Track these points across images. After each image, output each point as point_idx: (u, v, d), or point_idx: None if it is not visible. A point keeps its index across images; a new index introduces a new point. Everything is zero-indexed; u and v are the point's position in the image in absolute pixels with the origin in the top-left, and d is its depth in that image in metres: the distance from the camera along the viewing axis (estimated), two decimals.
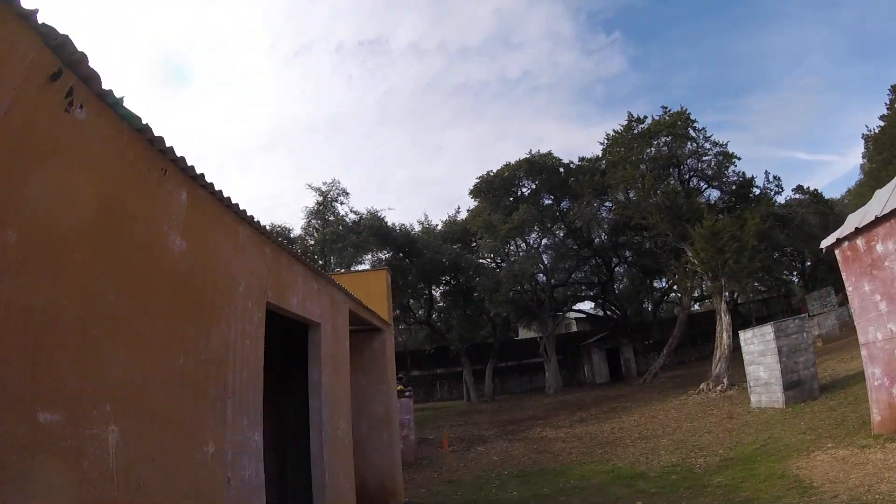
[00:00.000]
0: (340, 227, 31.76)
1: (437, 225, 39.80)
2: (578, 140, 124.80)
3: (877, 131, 38.64)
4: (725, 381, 21.82)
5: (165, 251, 3.92)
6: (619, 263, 42.11)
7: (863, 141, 41.75)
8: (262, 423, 5.14)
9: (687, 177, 31.77)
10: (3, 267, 2.53)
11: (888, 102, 37.22)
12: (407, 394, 18.41)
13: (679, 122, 29.74)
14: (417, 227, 37.88)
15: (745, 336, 17.61)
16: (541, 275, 38.36)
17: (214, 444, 4.24)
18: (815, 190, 40.75)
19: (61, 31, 2.86)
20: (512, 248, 38.22)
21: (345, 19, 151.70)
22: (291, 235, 32.23)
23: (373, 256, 33.67)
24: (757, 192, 33.20)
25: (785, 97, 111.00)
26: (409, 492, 12.35)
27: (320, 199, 32.71)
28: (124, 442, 3.21)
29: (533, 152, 36.65)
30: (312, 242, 31.94)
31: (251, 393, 4.99)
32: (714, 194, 33.28)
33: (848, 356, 19.86)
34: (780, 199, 35.95)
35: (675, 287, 37.25)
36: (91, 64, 3.09)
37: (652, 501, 9.09)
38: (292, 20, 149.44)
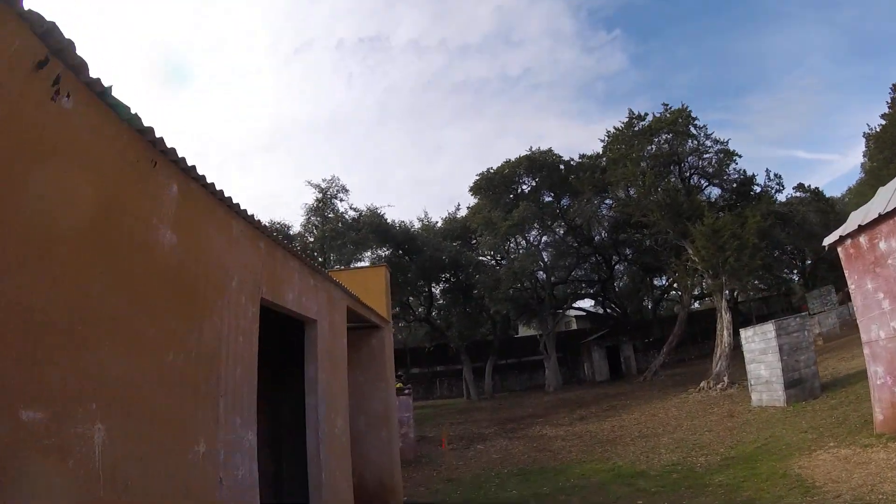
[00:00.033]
0: (340, 224, 31.66)
1: (436, 222, 39.70)
2: (579, 137, 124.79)
3: (878, 130, 38.48)
4: (726, 379, 21.74)
5: (156, 245, 3.82)
6: (620, 261, 42.00)
7: (864, 139, 41.65)
8: (255, 421, 5.05)
9: (688, 174, 31.66)
10: None
11: (889, 101, 37.07)
12: (406, 391, 18.33)
13: (680, 120, 29.60)
14: (417, 225, 37.79)
15: (746, 334, 17.52)
16: (541, 272, 38.25)
17: (206, 442, 4.15)
18: (816, 188, 40.60)
19: (48, 19, 2.78)
20: (512, 245, 38.11)
21: (345, 17, 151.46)
22: (291, 232, 32.13)
23: (372, 254, 33.56)
24: (758, 189, 33.15)
25: (785, 97, 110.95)
26: (408, 490, 12.27)
27: (320, 195, 32.62)
28: (111, 441, 3.12)
29: (533, 149, 36.58)
30: (312, 239, 31.85)
31: (245, 391, 4.89)
32: (715, 192, 33.19)
33: (849, 355, 19.79)
34: (781, 198, 35.94)
35: (675, 285, 37.16)
36: (79, 52, 3.01)
37: (653, 501, 9.00)
38: (292, 19, 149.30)
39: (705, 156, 31.23)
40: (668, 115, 29.89)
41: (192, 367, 4.10)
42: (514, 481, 12.16)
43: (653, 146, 30.01)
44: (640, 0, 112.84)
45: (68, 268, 2.97)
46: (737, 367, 21.78)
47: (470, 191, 38.11)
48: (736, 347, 24.26)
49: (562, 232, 39.05)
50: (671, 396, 22.34)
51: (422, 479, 13.65)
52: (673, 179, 30.13)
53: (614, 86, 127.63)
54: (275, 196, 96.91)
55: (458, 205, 50.28)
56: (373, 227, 31.89)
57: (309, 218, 32.74)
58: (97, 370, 3.11)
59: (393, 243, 34.19)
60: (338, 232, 30.86)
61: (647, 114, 30.66)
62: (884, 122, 37.33)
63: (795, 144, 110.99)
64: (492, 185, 36.96)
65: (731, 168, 31.86)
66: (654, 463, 11.87)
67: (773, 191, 33.94)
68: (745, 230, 23.22)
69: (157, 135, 3.79)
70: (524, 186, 37.89)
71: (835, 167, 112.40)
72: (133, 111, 3.55)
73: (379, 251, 34.03)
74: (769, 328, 16.13)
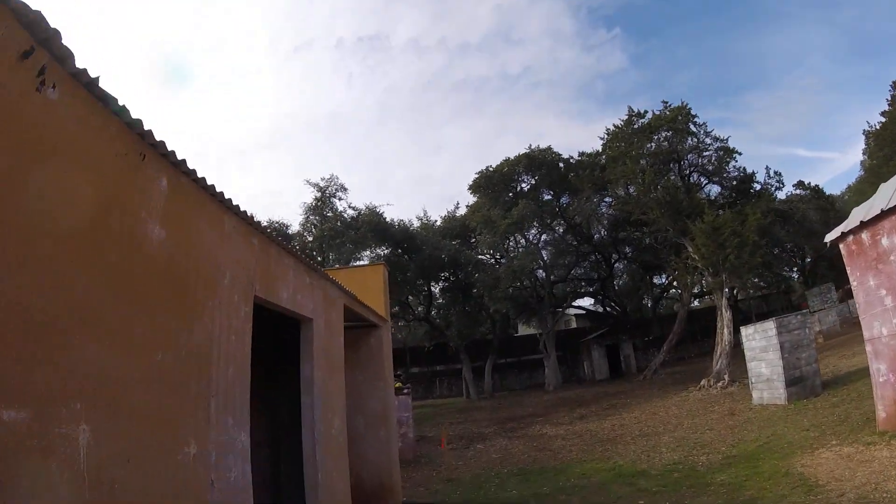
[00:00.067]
0: (339, 223, 31.55)
1: (435, 221, 39.57)
2: (579, 136, 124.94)
3: (878, 127, 38.41)
4: (726, 377, 21.66)
5: (144, 240, 3.72)
6: (619, 259, 41.91)
7: (863, 137, 41.58)
8: (248, 422, 4.94)
9: (687, 172, 31.55)
10: None
11: (889, 99, 37.01)
12: (405, 391, 18.25)
13: (680, 118, 29.49)
14: (416, 224, 37.66)
15: (746, 332, 17.42)
16: (540, 271, 38.16)
17: (197, 444, 4.04)
18: (817, 186, 40.55)
19: (34, 8, 2.69)
20: (511, 244, 38.03)
21: (344, 17, 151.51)
22: (289, 232, 32.04)
23: (371, 253, 33.42)
24: (758, 187, 33.01)
25: (785, 96, 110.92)
26: (407, 490, 12.19)
27: (318, 194, 32.52)
28: (96, 441, 3.02)
29: (532, 147, 36.47)
30: (311, 239, 31.74)
31: (237, 391, 4.78)
32: (714, 190, 33.08)
33: (849, 352, 19.72)
34: (781, 195, 35.86)
35: (675, 283, 37.09)
36: (65, 42, 2.92)
37: (654, 500, 8.90)
38: (292, 19, 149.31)
39: (705, 153, 31.14)
40: (667, 113, 29.78)
41: (181, 366, 4.00)
42: (514, 481, 12.06)
43: (652, 144, 29.90)
44: None
45: (51, 263, 2.88)
46: (737, 366, 21.70)
47: (469, 189, 38.01)
48: (736, 345, 24.21)
49: (561, 230, 38.97)
50: (671, 395, 22.25)
51: (421, 479, 13.56)
52: (673, 177, 30.03)
53: (614, 85, 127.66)
54: (275, 195, 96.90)
55: (458, 203, 50.14)
56: (371, 226, 31.78)
57: (308, 217, 32.66)
58: (82, 368, 3.01)
59: (392, 242, 34.08)
60: (336, 231, 30.75)
61: (646, 111, 30.59)
62: (884, 120, 37.25)
63: (795, 142, 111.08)
64: (491, 184, 36.85)
65: (730, 166, 31.81)
66: (654, 462, 11.77)
67: (773, 188, 33.85)
68: (745, 228, 23.13)
69: (147, 127, 3.70)
70: (523, 185, 37.80)
71: (835, 165, 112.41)
72: (121, 103, 3.45)
73: (378, 250, 33.91)
74: (770, 326, 16.04)
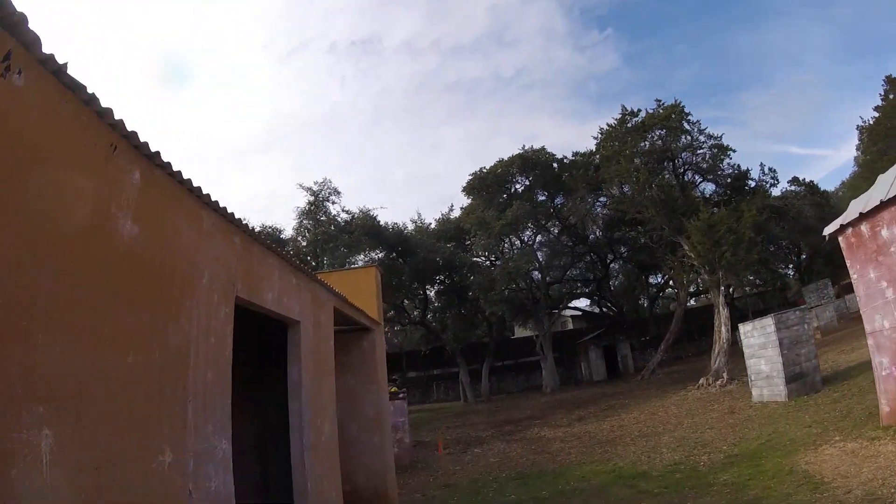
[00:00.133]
0: (332, 227, 31.34)
1: (430, 223, 39.43)
2: (573, 136, 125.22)
3: (871, 122, 38.46)
4: (725, 375, 21.49)
5: (114, 235, 3.51)
6: (615, 259, 41.83)
7: (857, 133, 41.67)
8: (230, 429, 4.70)
9: (682, 170, 31.49)
10: None
11: (883, 93, 37.03)
12: (401, 395, 17.98)
13: (673, 116, 29.40)
14: (410, 226, 37.47)
15: (744, 329, 17.25)
16: (536, 272, 38.04)
17: (172, 451, 3.80)
18: (811, 181, 40.57)
19: None
20: (506, 245, 37.88)
21: (338, 19, 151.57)
22: (283, 237, 31.79)
23: (365, 256, 33.20)
24: (752, 184, 32.95)
25: (780, 94, 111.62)
26: (403, 497, 11.95)
27: (311, 198, 32.31)
28: (61, 448, 2.82)
29: (526, 148, 36.35)
30: (305, 244, 31.51)
31: (218, 396, 4.54)
32: (709, 188, 33.04)
33: (848, 347, 19.61)
34: (776, 192, 35.84)
35: (671, 282, 36.98)
36: (31, 26, 2.76)
37: (656, 502, 8.67)
38: (286, 21, 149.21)
39: (699, 151, 31.07)
40: (661, 112, 29.68)
41: (155, 369, 3.76)
42: (513, 485, 11.82)
43: (646, 142, 29.78)
44: None
45: (12, 256, 2.69)
46: (735, 363, 21.55)
47: (463, 191, 37.91)
48: (733, 344, 24.08)
49: (556, 231, 38.88)
50: (670, 394, 22.05)
51: (418, 485, 13.30)
52: (667, 175, 29.98)
53: (607, 85, 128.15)
54: (271, 198, 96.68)
55: (452, 205, 50.02)
56: (365, 230, 31.58)
57: (301, 221, 32.44)
58: (44, 369, 2.80)
59: (386, 245, 33.88)
60: (330, 235, 30.54)
61: (639, 110, 30.46)
62: (877, 115, 37.29)
63: (789, 140, 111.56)
64: (485, 185, 36.72)
65: (725, 163, 31.76)
66: (655, 463, 11.55)
67: (768, 185, 33.82)
68: (740, 224, 23.00)
69: (118, 117, 3.52)
70: (517, 186, 37.70)
71: (828, 162, 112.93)
72: (91, 91, 3.28)
73: (372, 254, 33.70)
74: (769, 322, 15.87)
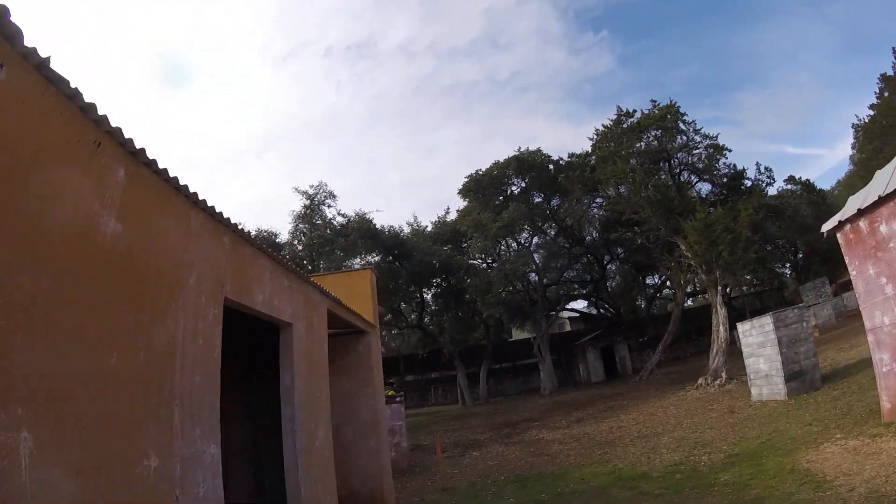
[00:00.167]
0: (328, 231, 31.23)
1: (426, 226, 39.32)
2: (569, 138, 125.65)
3: (866, 121, 38.52)
4: (724, 374, 21.39)
5: (97, 233, 3.41)
6: (612, 260, 41.77)
7: (852, 131, 41.72)
8: (219, 433, 4.58)
9: (678, 170, 31.47)
10: None
11: (878, 91, 37.11)
12: (398, 399, 17.83)
13: (668, 116, 29.41)
14: (407, 229, 37.36)
15: (743, 328, 17.16)
16: (532, 274, 37.91)
17: (158, 456, 3.69)
18: (808, 180, 40.55)
19: None
20: (503, 247, 37.79)
21: (334, 22, 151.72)
22: (279, 241, 31.63)
23: (361, 260, 33.10)
24: (748, 183, 32.95)
25: (776, 93, 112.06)
26: (401, 500, 11.81)
27: (307, 202, 32.20)
28: (40, 451, 2.71)
29: (522, 150, 36.28)
30: (301, 248, 31.37)
31: (206, 399, 4.42)
32: (705, 187, 33.05)
33: (847, 345, 19.55)
34: (772, 191, 35.84)
35: (668, 283, 36.93)
36: (13, 19, 2.70)
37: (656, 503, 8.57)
38: (282, 24, 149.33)
39: (695, 151, 31.10)
40: (656, 112, 29.70)
41: (140, 371, 3.66)
42: (511, 488, 11.68)
43: (642, 143, 29.78)
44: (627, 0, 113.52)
45: None
46: (734, 363, 21.46)
47: (459, 193, 37.83)
48: (731, 343, 24.01)
49: (553, 233, 38.80)
50: (669, 395, 21.95)
51: (416, 489, 13.15)
52: (663, 176, 29.94)
53: (602, 87, 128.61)
54: (268, 202, 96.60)
55: (448, 208, 49.85)
56: (361, 233, 31.47)
57: (297, 225, 32.32)
58: (23, 370, 2.71)
59: (382, 249, 33.74)
60: (326, 239, 30.44)
61: (635, 111, 30.50)
62: (872, 113, 37.35)
63: (784, 139, 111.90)
64: (481, 188, 36.64)
65: (720, 163, 31.81)
66: (655, 464, 11.43)
67: (764, 184, 33.85)
68: (737, 224, 22.95)
69: (101, 112, 3.44)
70: (513, 188, 37.63)
71: (824, 161, 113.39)
72: (74, 85, 3.21)
73: (368, 257, 33.58)
74: (767, 321, 15.79)
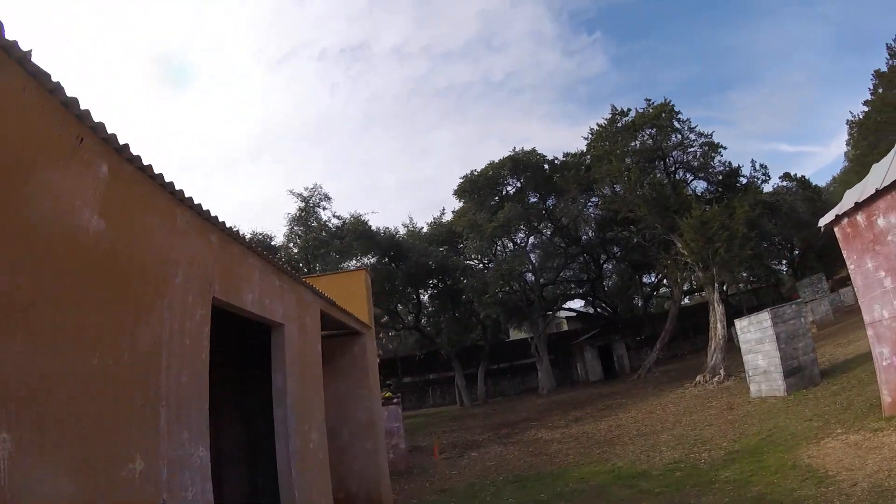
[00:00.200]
0: (323, 233, 31.08)
1: (422, 228, 39.17)
2: (564, 139, 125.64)
3: (861, 117, 38.56)
4: (722, 371, 21.31)
5: (78, 230, 3.32)
6: (608, 260, 41.67)
7: (847, 127, 41.76)
8: (208, 435, 4.46)
9: (673, 169, 31.39)
10: None
11: (872, 88, 37.15)
12: (395, 400, 17.71)
13: (663, 115, 29.29)
14: (402, 231, 37.20)
15: (740, 324, 17.09)
16: (529, 274, 37.81)
17: (144, 459, 3.58)
18: (803, 176, 40.55)
19: None
20: (499, 247, 37.67)
21: (327, 26, 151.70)
22: (274, 244, 31.45)
23: (357, 262, 32.88)
24: (744, 181, 32.86)
25: (770, 92, 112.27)
26: (399, 502, 11.70)
27: (302, 205, 32.03)
28: (20, 453, 2.63)
29: (517, 150, 36.16)
30: (297, 250, 31.21)
31: (194, 401, 4.31)
32: (701, 185, 32.97)
33: (845, 340, 19.50)
34: (768, 188, 35.76)
35: (665, 281, 36.87)
36: None
37: (658, 502, 8.42)
38: (276, 28, 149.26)
39: (690, 149, 30.96)
40: (650, 111, 29.57)
41: (124, 372, 3.55)
42: (510, 489, 11.57)
43: (636, 142, 29.66)
44: (621, 0, 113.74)
45: None
46: (732, 360, 21.40)
47: (454, 194, 37.63)
48: (729, 341, 23.95)
49: (549, 232, 38.70)
50: (667, 392, 21.87)
51: (414, 491, 13.03)
52: (658, 174, 29.87)
53: (596, 88, 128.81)
54: (264, 206, 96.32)
55: (444, 209, 49.83)
56: (357, 235, 31.31)
57: (292, 228, 32.12)
58: (2, 371, 2.63)
59: (378, 250, 33.58)
60: (321, 241, 30.28)
61: (629, 109, 30.34)
62: (867, 109, 37.41)
63: (779, 138, 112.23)
64: (476, 188, 36.50)
65: (716, 161, 31.64)
66: (655, 462, 11.33)
67: (760, 181, 33.70)
68: (733, 221, 22.89)
69: (83, 107, 3.37)
70: (509, 188, 37.48)
71: (818, 159, 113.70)
72: (55, 80, 3.13)
73: (364, 259, 33.41)
74: (765, 317, 15.73)
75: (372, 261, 33.44)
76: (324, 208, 32.51)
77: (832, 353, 18.17)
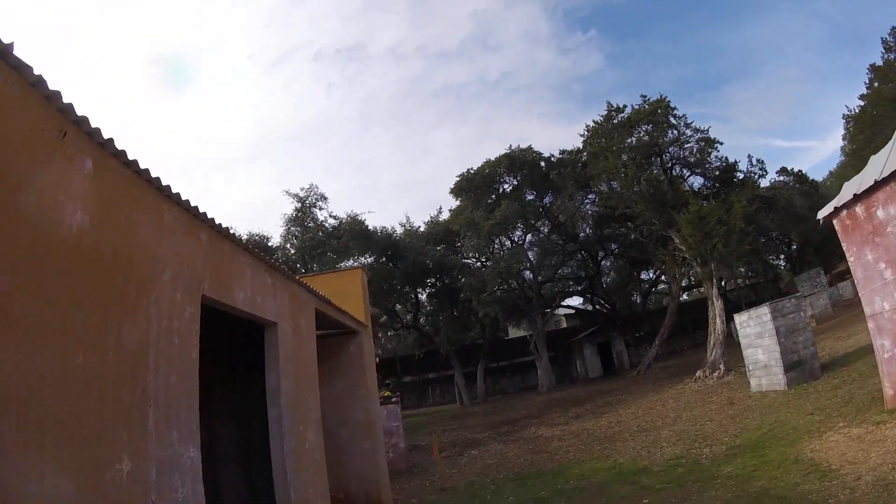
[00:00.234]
0: (320, 233, 30.97)
1: (419, 227, 39.05)
2: (562, 138, 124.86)
3: (857, 111, 38.53)
4: (722, 366, 21.24)
5: (61, 226, 3.22)
6: (606, 256, 41.62)
7: (843, 122, 41.72)
8: (199, 436, 4.36)
9: (669, 165, 31.29)
10: None
11: (867, 82, 37.12)
12: (394, 400, 17.61)
13: (659, 111, 29.19)
14: (399, 230, 37.08)
15: (740, 319, 17.01)
16: (527, 272, 37.77)
17: (131, 459, 3.48)
18: (800, 171, 40.47)
19: None
20: (496, 246, 37.58)
21: (323, 27, 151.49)
22: (270, 244, 31.33)
23: (354, 261, 32.78)
24: (741, 176, 32.82)
25: (766, 88, 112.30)
26: (399, 502, 11.64)
27: (298, 205, 31.92)
28: (2, 455, 2.57)
29: (513, 147, 36.05)
30: (293, 251, 31.10)
31: (184, 401, 4.20)
32: (698, 181, 32.87)
33: (844, 334, 19.45)
34: (765, 183, 35.70)
35: (663, 277, 36.82)
36: None
37: (659, 499, 8.35)
38: (272, 30, 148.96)
39: (686, 145, 30.82)
40: (646, 107, 29.47)
41: (110, 371, 3.45)
42: (511, 487, 11.49)
43: (633, 138, 29.55)
44: None
45: None
46: (731, 355, 21.33)
47: (451, 192, 37.46)
48: (728, 336, 23.88)
49: (546, 230, 38.62)
50: (667, 388, 21.80)
51: (414, 490, 12.94)
52: (655, 170, 29.75)
53: (592, 86, 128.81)
54: (261, 207, 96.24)
55: (441, 208, 49.55)
56: (353, 235, 31.21)
57: (289, 228, 32.02)
58: None
59: (375, 250, 33.48)
60: (318, 241, 30.18)
61: (625, 106, 30.22)
62: (863, 104, 37.37)
63: (775, 133, 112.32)
64: (473, 186, 36.37)
65: (712, 156, 31.53)
66: (656, 458, 11.25)
67: (756, 176, 33.65)
68: (731, 216, 22.82)
69: (66, 100, 3.28)
70: (505, 186, 37.35)
71: (815, 153, 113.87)
72: (38, 73, 3.05)
73: (361, 258, 33.30)
74: (764, 311, 15.64)
75: (369, 260, 33.33)
76: (320, 208, 32.49)
77: (832, 346, 18.11)
